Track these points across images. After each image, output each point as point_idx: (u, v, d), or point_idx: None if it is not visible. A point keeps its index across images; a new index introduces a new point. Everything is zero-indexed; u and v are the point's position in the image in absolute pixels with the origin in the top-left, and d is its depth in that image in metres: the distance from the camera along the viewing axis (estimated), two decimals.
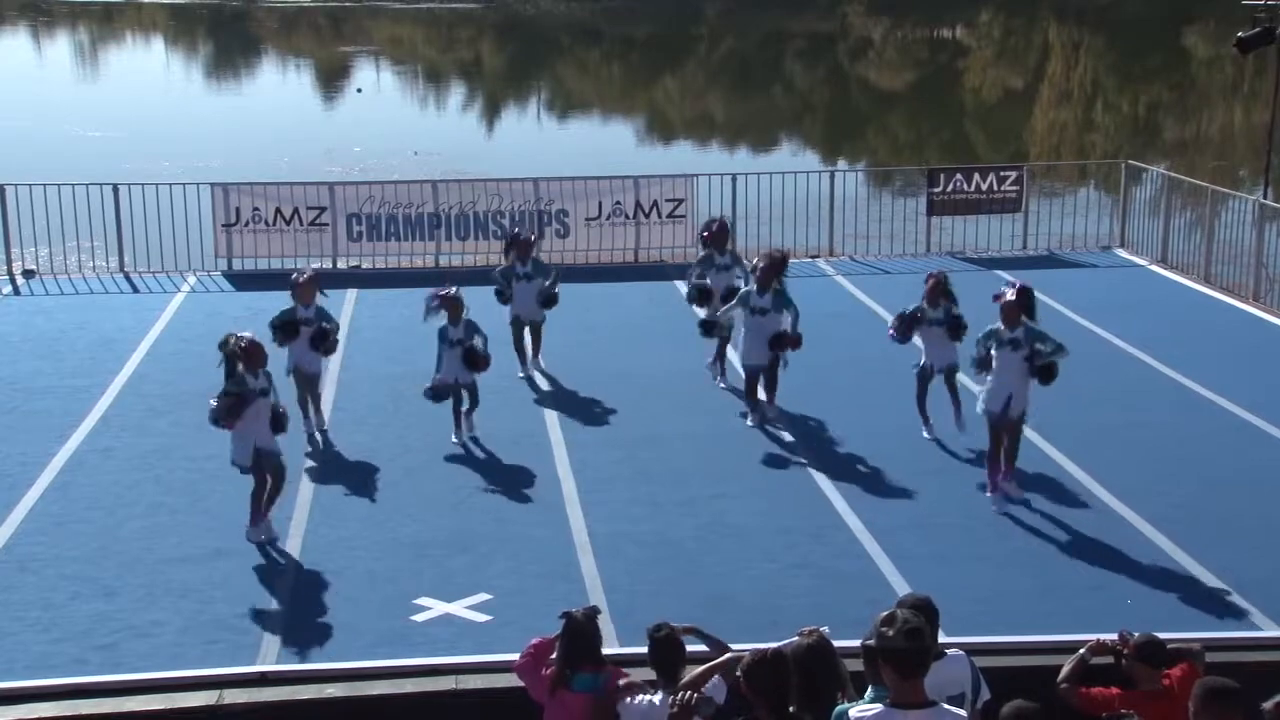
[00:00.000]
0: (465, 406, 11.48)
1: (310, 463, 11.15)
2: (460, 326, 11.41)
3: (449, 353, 11.37)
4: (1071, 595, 8.87)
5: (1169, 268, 17.78)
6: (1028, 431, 11.78)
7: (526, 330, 13.16)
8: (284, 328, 11.46)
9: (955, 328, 11.42)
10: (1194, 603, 8.77)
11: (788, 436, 11.74)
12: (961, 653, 5.97)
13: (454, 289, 11.50)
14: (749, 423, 11.78)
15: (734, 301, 11.84)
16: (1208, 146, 33.90)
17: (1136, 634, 6.67)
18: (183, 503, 10.40)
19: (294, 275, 11.80)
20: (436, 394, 11.45)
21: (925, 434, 11.53)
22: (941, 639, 5.92)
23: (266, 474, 9.66)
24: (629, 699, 5.99)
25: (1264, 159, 19.91)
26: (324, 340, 11.54)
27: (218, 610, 8.66)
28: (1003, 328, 10.05)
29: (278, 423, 9.70)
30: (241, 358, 9.61)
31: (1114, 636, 6.79)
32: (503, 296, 13.00)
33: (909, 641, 4.70)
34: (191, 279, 17.24)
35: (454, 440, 11.45)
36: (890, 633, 4.72)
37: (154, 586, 8.98)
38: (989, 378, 10.17)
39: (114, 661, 8.00)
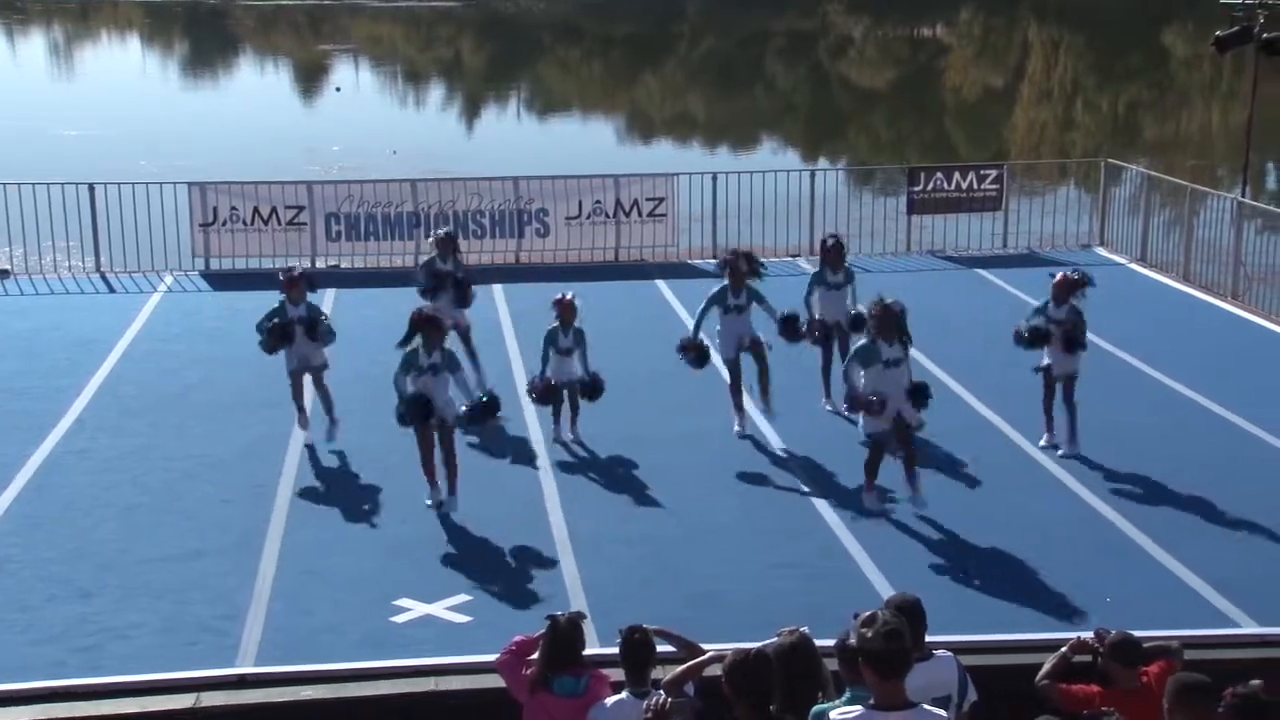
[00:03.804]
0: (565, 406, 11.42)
1: (292, 463, 11.11)
2: (570, 335, 11.36)
3: (557, 357, 11.29)
4: (1052, 593, 8.91)
5: (1148, 266, 17.88)
6: (1008, 430, 11.86)
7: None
8: (275, 331, 11.18)
9: (1068, 338, 11.02)
10: (1173, 600, 8.83)
11: (770, 436, 11.75)
12: (949, 654, 5.99)
13: (570, 294, 11.37)
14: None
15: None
16: (1187, 145, 34.07)
17: (1112, 632, 6.70)
18: (160, 503, 10.37)
19: (282, 273, 11.48)
20: (542, 396, 11.31)
21: (1043, 441, 11.30)
22: (927, 639, 5.94)
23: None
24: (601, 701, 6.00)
25: (1242, 158, 20.01)
26: (314, 328, 11.27)
27: (196, 612, 8.63)
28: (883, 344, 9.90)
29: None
30: (422, 327, 9.88)
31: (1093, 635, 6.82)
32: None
33: (888, 643, 4.71)
34: (169, 279, 17.18)
35: (555, 440, 11.45)
36: (870, 634, 4.73)
37: (131, 588, 8.94)
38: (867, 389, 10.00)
39: (92, 664, 7.96)
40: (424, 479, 10.23)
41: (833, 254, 12.30)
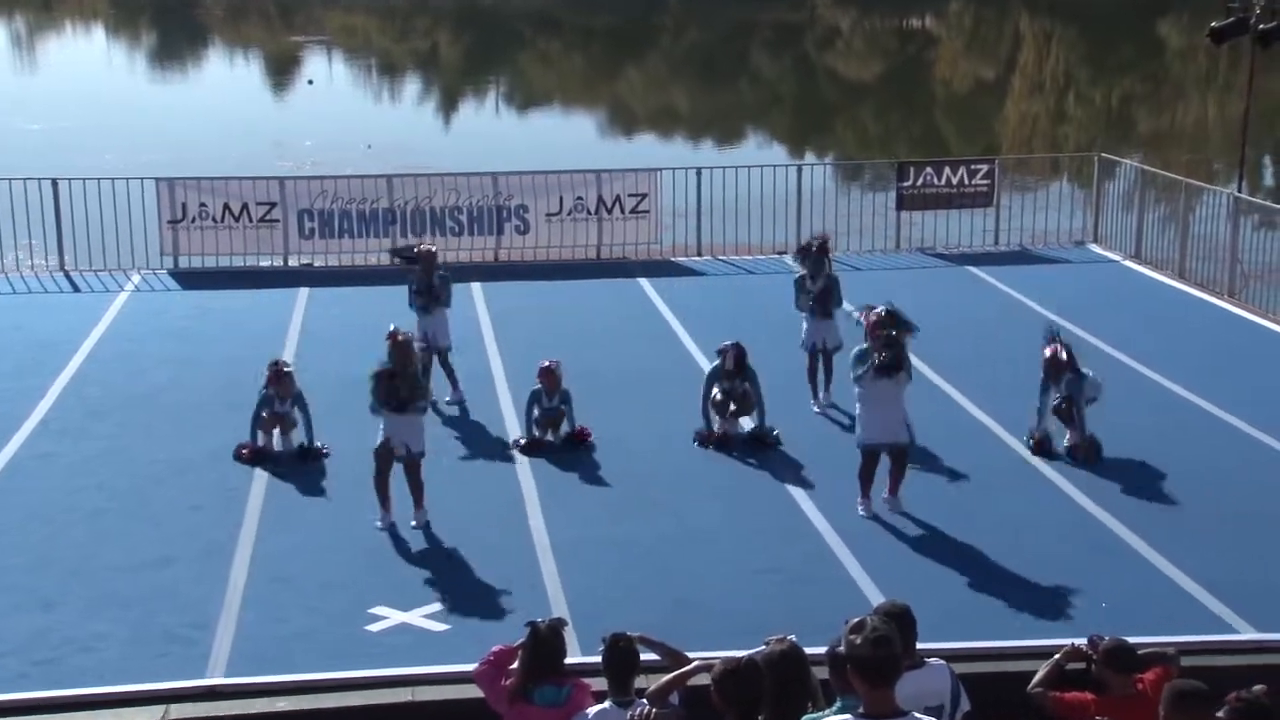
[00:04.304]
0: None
1: (261, 468, 11.07)
2: (555, 396, 11.44)
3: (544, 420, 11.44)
4: (1045, 599, 8.93)
5: (1143, 263, 17.95)
6: (999, 432, 11.89)
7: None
8: (249, 459, 11.06)
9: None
10: (1169, 605, 8.85)
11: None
12: (942, 662, 6.00)
13: (553, 362, 11.43)
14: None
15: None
16: (1182, 139, 34.22)
17: (1106, 638, 6.73)
18: (127, 509, 10.32)
19: (272, 365, 11.29)
20: (526, 451, 11.37)
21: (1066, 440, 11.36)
22: (918, 647, 5.94)
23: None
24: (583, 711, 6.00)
25: (1239, 152, 20.11)
26: (312, 460, 11.19)
27: (164, 621, 8.59)
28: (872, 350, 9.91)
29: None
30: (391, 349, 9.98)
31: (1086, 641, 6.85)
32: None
33: (876, 650, 4.70)
34: (136, 278, 17.10)
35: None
36: (858, 640, 4.73)
37: (97, 597, 8.89)
38: (860, 409, 10.09)
39: (55, 677, 7.91)
40: (383, 497, 10.08)
41: (816, 258, 12.36)
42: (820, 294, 12.30)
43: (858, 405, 10.19)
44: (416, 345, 10.92)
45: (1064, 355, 11.26)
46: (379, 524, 10.02)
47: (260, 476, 10.91)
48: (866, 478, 10.17)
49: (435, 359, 12.30)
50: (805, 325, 12.43)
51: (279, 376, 11.24)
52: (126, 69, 48.55)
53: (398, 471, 10.03)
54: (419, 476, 10.07)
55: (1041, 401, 11.37)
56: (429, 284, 12.50)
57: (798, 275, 12.53)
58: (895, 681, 4.80)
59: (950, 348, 13.88)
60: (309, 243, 17.83)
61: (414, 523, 10.01)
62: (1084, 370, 11.37)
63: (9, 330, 14.99)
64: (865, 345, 10.08)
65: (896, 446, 10.08)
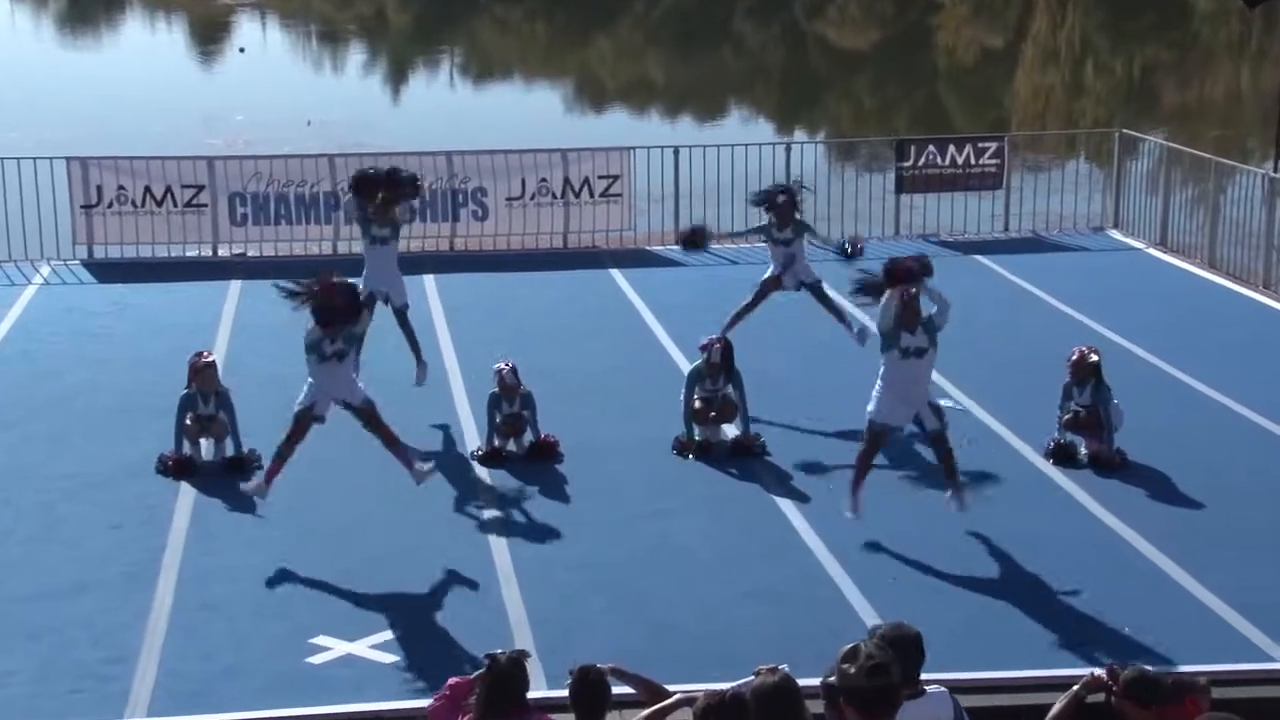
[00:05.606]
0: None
1: (187, 481, 11.03)
2: (516, 401, 11.44)
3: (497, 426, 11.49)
4: (1062, 623, 8.98)
5: (1168, 251, 18.07)
6: (1010, 439, 11.94)
7: None
8: (176, 469, 11.06)
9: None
10: (1198, 630, 8.91)
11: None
12: (944, 690, 6.02)
13: (506, 366, 11.45)
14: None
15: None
16: (1211, 113, 34.46)
17: (1127, 668, 6.76)
18: (35, 530, 10.27)
19: (193, 358, 11.35)
20: (485, 461, 11.41)
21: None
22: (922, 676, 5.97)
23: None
24: None
25: (1275, 127, 20.24)
26: (241, 469, 11.10)
27: (79, 654, 8.56)
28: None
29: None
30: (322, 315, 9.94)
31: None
32: None
33: (871, 679, 4.73)
34: (45, 269, 17.04)
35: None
36: (851, 669, 4.75)
37: (3, 629, 8.85)
38: (880, 386, 9.92)
39: None
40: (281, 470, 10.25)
41: (782, 210, 12.77)
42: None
43: (878, 382, 9.96)
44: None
45: (1094, 358, 11.33)
46: (248, 488, 10.32)
47: (186, 491, 10.88)
48: (864, 463, 10.05)
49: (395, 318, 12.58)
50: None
51: (200, 370, 11.18)
52: (33, 34, 48.30)
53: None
54: (381, 424, 10.15)
55: (1062, 408, 11.45)
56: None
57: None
58: (893, 713, 4.82)
59: (956, 344, 13.89)
60: (241, 230, 17.77)
61: (425, 471, 10.24)
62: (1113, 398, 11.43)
63: None
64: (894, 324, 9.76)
65: (928, 429, 9.95)
